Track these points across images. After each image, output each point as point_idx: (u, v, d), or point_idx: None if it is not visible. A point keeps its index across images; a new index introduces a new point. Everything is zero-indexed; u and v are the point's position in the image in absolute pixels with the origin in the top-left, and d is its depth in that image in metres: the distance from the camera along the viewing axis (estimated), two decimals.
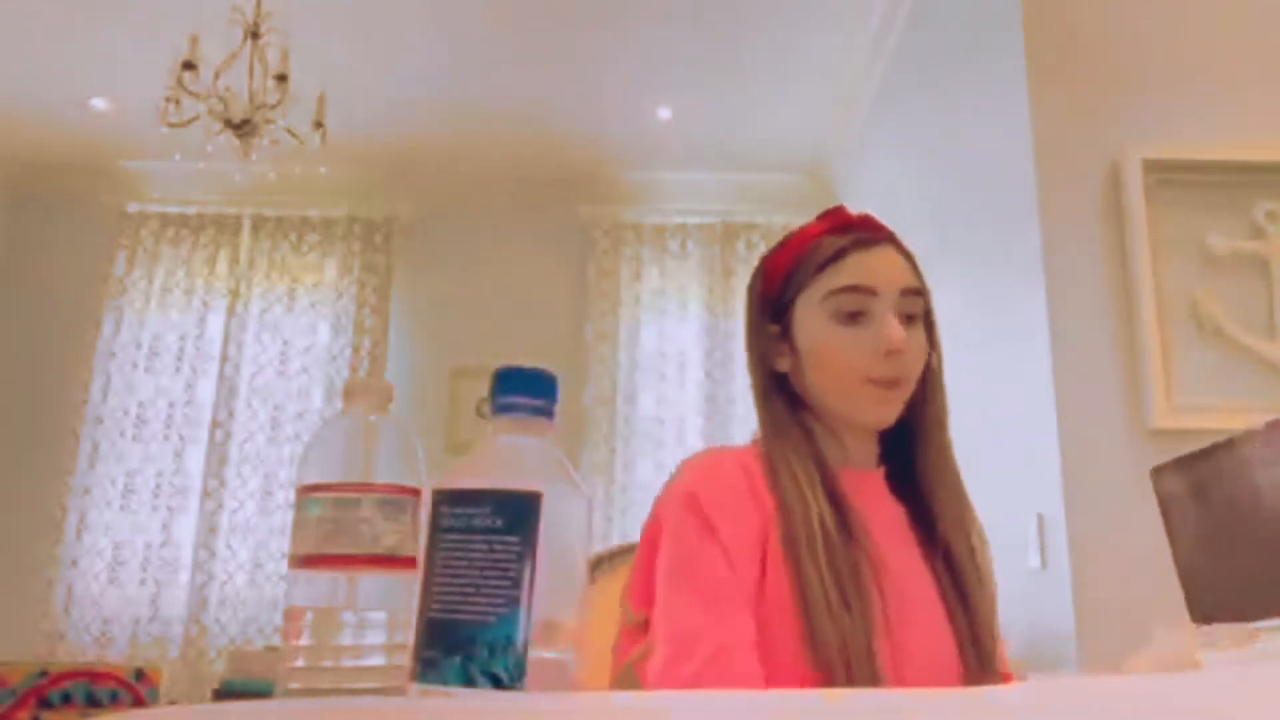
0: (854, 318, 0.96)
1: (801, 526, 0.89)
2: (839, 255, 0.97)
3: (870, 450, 1.01)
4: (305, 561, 0.56)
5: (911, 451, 1.00)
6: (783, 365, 1.01)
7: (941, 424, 1.00)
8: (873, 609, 0.87)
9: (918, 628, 0.91)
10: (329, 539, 0.56)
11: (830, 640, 0.84)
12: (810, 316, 0.98)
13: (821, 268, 0.98)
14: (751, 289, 1.05)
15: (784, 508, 0.91)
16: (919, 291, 1.00)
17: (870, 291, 0.96)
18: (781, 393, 1.00)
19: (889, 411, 0.97)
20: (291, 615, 0.56)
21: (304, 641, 0.55)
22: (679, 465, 0.99)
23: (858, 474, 0.99)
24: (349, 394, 0.61)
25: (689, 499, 0.92)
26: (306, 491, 0.57)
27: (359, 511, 0.56)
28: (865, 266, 0.97)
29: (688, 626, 0.85)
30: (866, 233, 1.00)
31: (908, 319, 0.98)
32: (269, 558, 4.13)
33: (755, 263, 1.09)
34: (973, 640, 0.93)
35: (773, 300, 1.01)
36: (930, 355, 1.00)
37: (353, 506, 0.56)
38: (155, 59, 3.36)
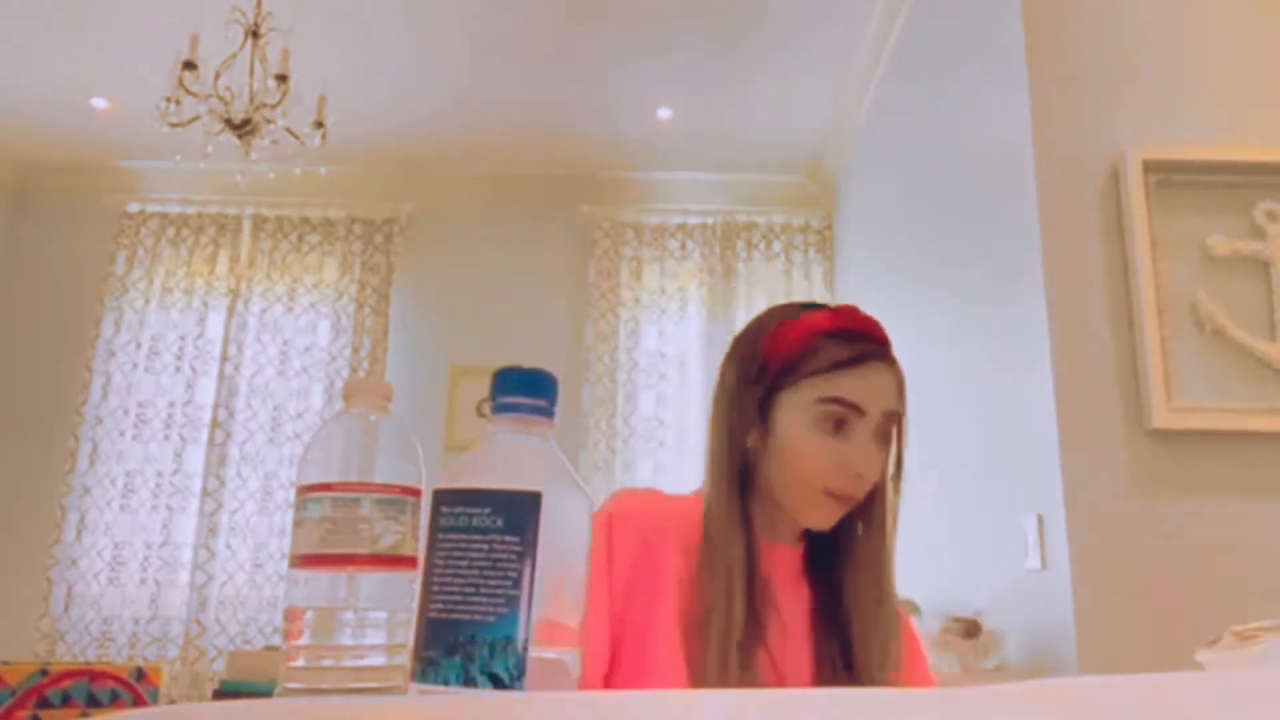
0: (835, 428, 0.98)
1: (715, 618, 0.93)
2: (839, 366, 0.98)
3: (795, 530, 1.04)
4: (305, 561, 0.56)
5: (840, 544, 1.03)
6: (750, 440, 1.02)
7: (882, 529, 1.02)
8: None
9: None
10: (329, 539, 0.56)
11: None
12: (794, 413, 0.99)
13: (819, 372, 0.98)
14: (742, 356, 1.05)
15: (702, 590, 0.95)
16: (899, 416, 1.01)
17: (858, 411, 0.97)
18: (736, 464, 1.02)
19: (833, 520, 1.00)
20: (291, 615, 0.56)
21: (304, 641, 0.55)
22: (616, 491, 1.06)
23: (781, 549, 1.03)
24: (349, 394, 0.61)
25: (606, 522, 0.98)
26: (306, 491, 0.57)
27: (359, 511, 0.56)
28: (860, 385, 0.98)
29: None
30: (871, 346, 1.00)
31: (881, 438, 1.00)
32: (269, 558, 4.13)
33: (757, 303, 1.11)
34: None
35: (763, 379, 1.02)
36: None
37: (353, 506, 0.56)
38: (155, 59, 3.36)
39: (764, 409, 1.01)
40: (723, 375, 1.06)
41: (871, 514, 1.02)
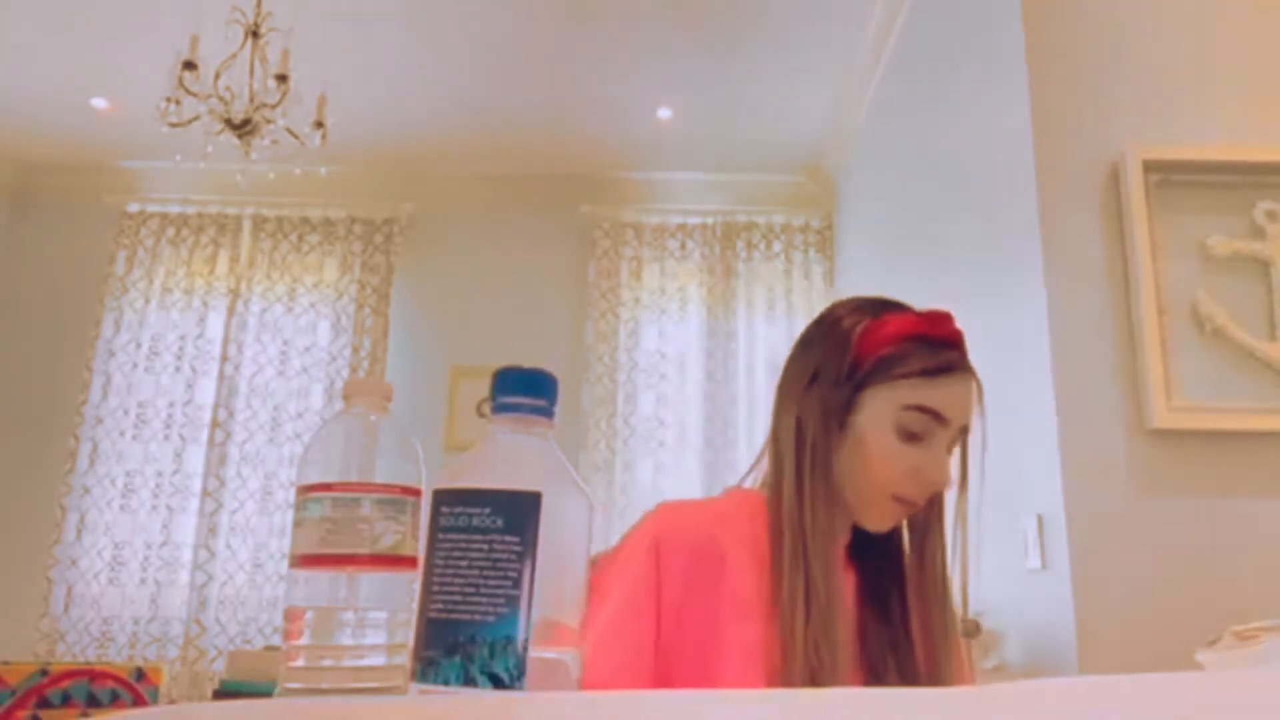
0: (915, 437, 0.97)
1: (815, 611, 0.91)
2: (927, 374, 0.97)
3: (848, 520, 1.02)
4: (305, 561, 0.56)
5: (894, 544, 1.03)
6: (831, 434, 1.00)
7: (941, 544, 1.02)
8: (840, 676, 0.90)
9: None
10: (329, 539, 0.56)
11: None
12: (879, 413, 0.97)
13: (908, 376, 0.97)
14: (829, 351, 1.01)
15: (795, 589, 0.93)
16: (969, 430, 1.02)
17: (942, 421, 0.97)
18: (825, 457, 0.99)
19: (892, 524, 1.00)
20: (291, 615, 0.56)
21: (304, 641, 0.55)
22: (656, 507, 1.01)
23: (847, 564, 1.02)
24: (349, 394, 0.61)
25: (652, 544, 0.94)
26: (306, 491, 0.57)
27: (359, 511, 0.56)
28: (949, 396, 0.98)
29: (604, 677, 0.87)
30: (956, 356, 1.00)
31: (953, 447, 1.01)
32: (269, 558, 4.13)
33: (823, 310, 1.08)
34: None
35: (854, 376, 0.99)
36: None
37: (353, 506, 0.56)
38: (155, 59, 3.36)
39: (848, 400, 0.99)
40: (800, 366, 1.03)
41: (929, 525, 1.02)
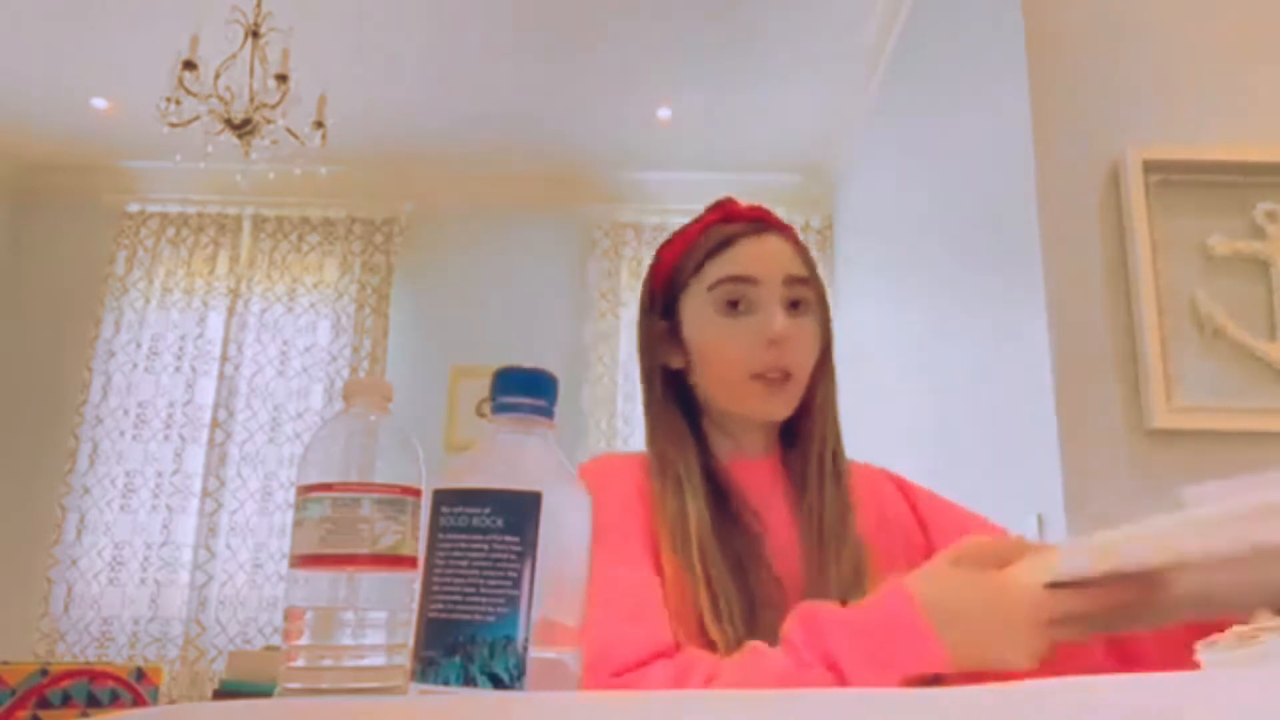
0: (737, 307, 0.94)
1: (680, 537, 0.87)
2: (724, 244, 0.96)
3: (760, 439, 0.99)
4: (305, 561, 0.56)
5: (799, 442, 0.98)
6: (675, 362, 0.99)
7: (825, 415, 0.98)
8: (761, 610, 0.84)
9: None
10: (329, 539, 0.56)
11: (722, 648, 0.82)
12: (696, 309, 0.96)
13: (707, 257, 0.96)
14: (643, 284, 1.04)
15: (664, 519, 0.89)
16: (806, 279, 0.96)
17: (753, 281, 0.94)
18: (670, 390, 0.99)
19: (776, 406, 0.95)
20: (291, 615, 0.56)
21: (304, 641, 0.55)
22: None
23: (749, 463, 0.97)
24: (349, 394, 0.61)
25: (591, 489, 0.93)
26: (306, 491, 0.57)
27: (359, 511, 0.56)
28: (748, 255, 0.95)
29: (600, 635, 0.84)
30: (751, 223, 0.98)
31: (793, 306, 0.95)
32: (269, 558, 4.13)
33: None
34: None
35: (661, 294, 1.00)
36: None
37: (353, 506, 0.56)
38: (155, 59, 3.37)
39: (675, 323, 0.98)
40: (638, 313, 1.04)
41: (813, 405, 0.97)
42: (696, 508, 0.89)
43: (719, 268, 0.95)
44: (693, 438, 0.96)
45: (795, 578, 0.89)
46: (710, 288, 0.95)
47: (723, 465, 0.95)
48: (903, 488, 1.03)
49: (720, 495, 0.92)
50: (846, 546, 0.90)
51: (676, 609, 0.83)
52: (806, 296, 0.96)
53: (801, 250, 0.99)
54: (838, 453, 0.98)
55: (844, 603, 0.73)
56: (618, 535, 0.86)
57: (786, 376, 0.93)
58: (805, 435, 0.98)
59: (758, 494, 0.94)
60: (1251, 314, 1.95)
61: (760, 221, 0.98)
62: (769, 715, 0.39)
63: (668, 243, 1.02)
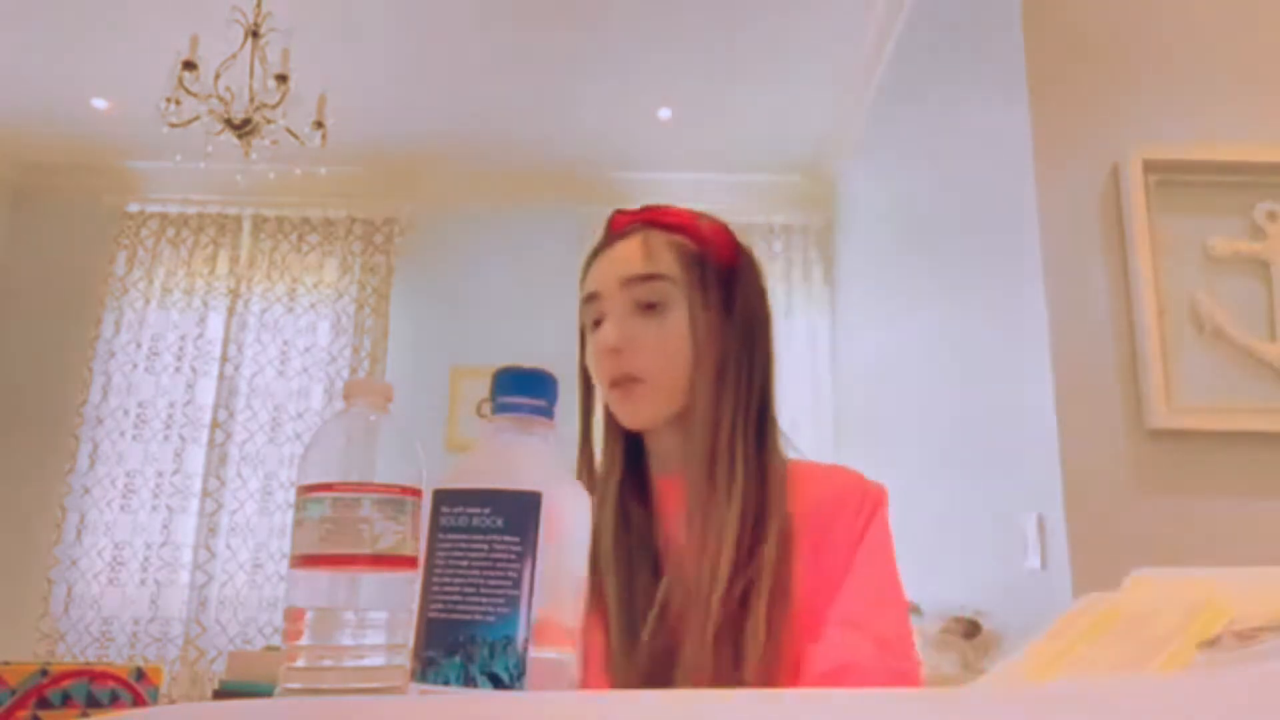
0: (597, 325, 0.95)
1: (592, 553, 0.87)
2: (587, 266, 0.98)
3: (668, 451, 0.95)
4: (305, 561, 0.56)
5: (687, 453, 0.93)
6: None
7: (708, 420, 0.89)
8: (659, 640, 0.84)
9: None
10: (329, 539, 0.56)
11: (624, 672, 0.84)
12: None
13: (582, 283, 0.98)
14: None
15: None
16: (649, 277, 0.92)
17: (597, 296, 0.94)
18: (586, 405, 1.00)
19: (633, 412, 0.91)
20: (291, 615, 0.56)
21: (304, 642, 0.55)
22: None
23: (668, 480, 0.94)
24: (349, 394, 0.61)
25: None
26: (306, 491, 0.57)
27: (359, 511, 0.56)
28: (595, 271, 0.96)
29: None
30: (612, 232, 0.99)
31: (648, 308, 0.92)
32: (269, 558, 4.13)
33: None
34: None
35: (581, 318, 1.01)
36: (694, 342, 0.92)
37: (353, 506, 0.56)
38: (155, 59, 3.37)
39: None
40: None
41: (693, 413, 0.91)
42: (604, 523, 0.90)
43: (582, 290, 0.97)
44: (625, 456, 0.96)
45: (688, 593, 0.86)
46: (581, 312, 0.97)
47: (653, 481, 0.96)
48: (870, 515, 0.91)
49: (636, 512, 0.93)
50: (723, 560, 0.84)
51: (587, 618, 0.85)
52: (658, 296, 0.92)
53: (647, 243, 0.93)
54: (738, 457, 0.89)
55: (736, 619, 0.77)
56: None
57: (634, 380, 0.91)
58: (689, 445, 0.91)
59: (672, 510, 0.92)
60: (1251, 314, 1.95)
61: (619, 231, 0.98)
62: (769, 715, 0.39)
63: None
